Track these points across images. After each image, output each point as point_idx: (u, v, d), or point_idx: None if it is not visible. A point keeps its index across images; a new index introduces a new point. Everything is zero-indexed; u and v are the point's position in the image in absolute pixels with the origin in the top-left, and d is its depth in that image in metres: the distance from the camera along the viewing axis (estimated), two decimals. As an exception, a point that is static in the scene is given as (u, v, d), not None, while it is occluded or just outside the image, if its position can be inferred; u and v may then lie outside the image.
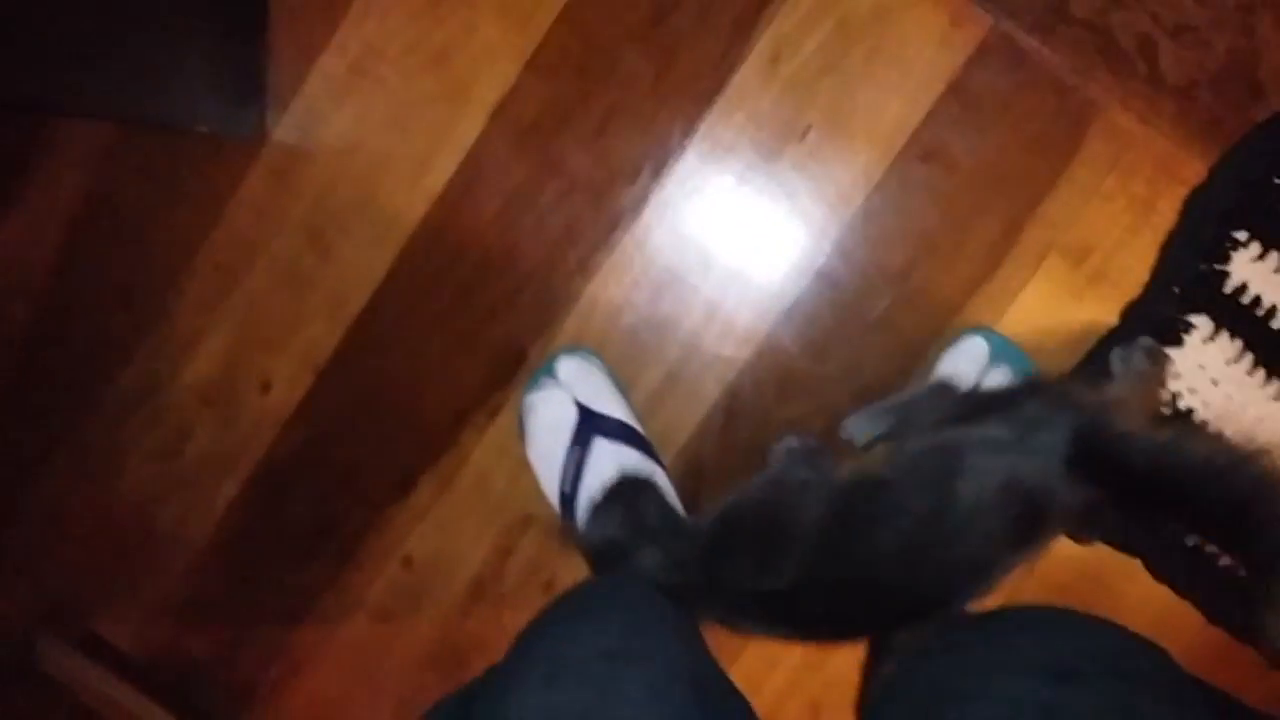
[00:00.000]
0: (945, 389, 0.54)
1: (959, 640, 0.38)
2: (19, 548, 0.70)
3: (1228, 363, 0.59)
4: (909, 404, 0.54)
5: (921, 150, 0.60)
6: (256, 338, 0.66)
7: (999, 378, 0.59)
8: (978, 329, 0.61)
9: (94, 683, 0.69)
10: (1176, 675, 0.33)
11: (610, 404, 0.61)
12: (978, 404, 0.48)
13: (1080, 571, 0.63)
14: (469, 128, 0.62)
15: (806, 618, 0.46)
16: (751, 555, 0.47)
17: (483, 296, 0.64)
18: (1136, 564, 0.63)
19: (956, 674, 0.35)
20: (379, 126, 0.63)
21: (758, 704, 0.40)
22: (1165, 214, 0.60)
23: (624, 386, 0.63)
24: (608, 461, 0.60)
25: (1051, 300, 0.61)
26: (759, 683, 0.65)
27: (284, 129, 0.63)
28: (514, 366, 0.64)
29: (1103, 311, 0.61)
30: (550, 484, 0.62)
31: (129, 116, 0.62)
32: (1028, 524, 0.42)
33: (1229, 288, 0.59)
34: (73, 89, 0.57)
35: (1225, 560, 0.61)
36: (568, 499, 0.61)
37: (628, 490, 0.55)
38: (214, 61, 0.61)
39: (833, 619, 0.46)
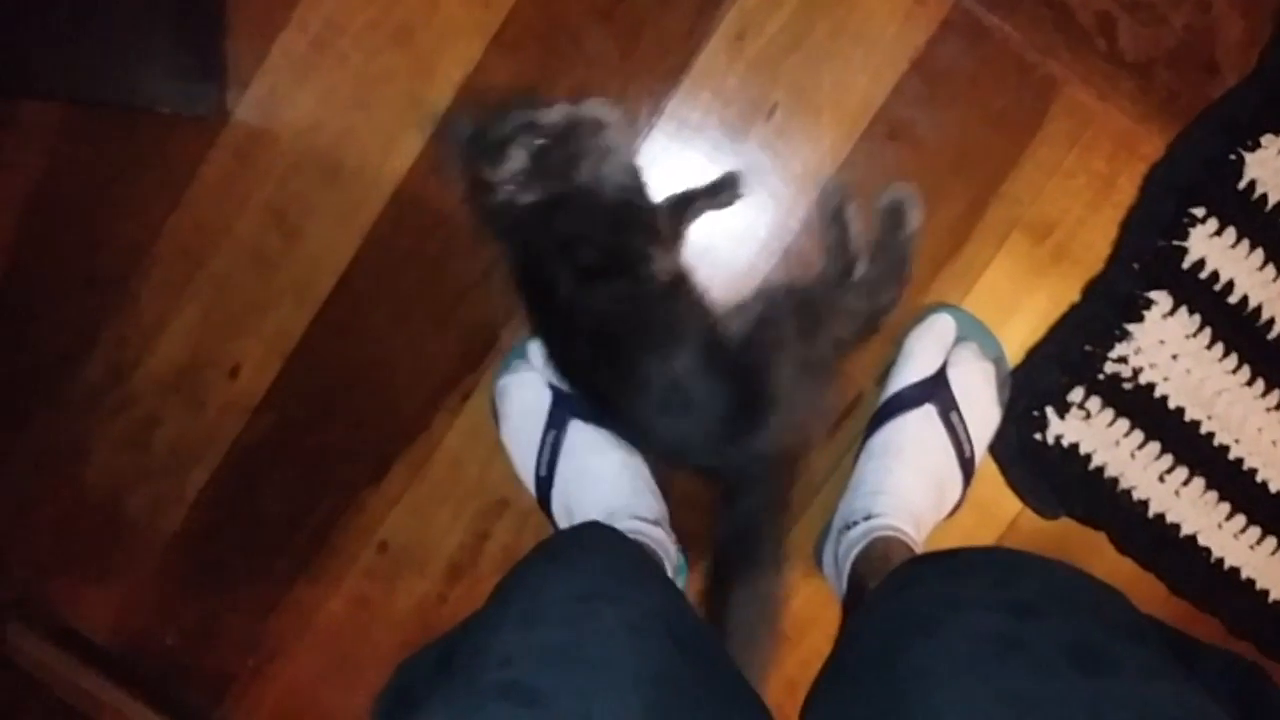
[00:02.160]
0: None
1: (917, 577, 0.39)
2: (-17, 539, 0.69)
3: (1187, 337, 0.61)
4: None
5: (887, 128, 0.61)
6: (223, 322, 0.65)
7: (966, 354, 0.60)
8: (944, 306, 0.61)
9: (67, 674, 0.68)
10: (1133, 614, 0.34)
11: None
12: None
13: (1045, 545, 0.65)
14: (434, 105, 0.61)
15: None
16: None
17: (452, 278, 0.63)
18: (1101, 538, 0.64)
19: (916, 611, 0.35)
20: (342, 105, 0.62)
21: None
22: (1125, 190, 0.61)
23: (595, 367, 0.63)
24: (584, 443, 0.60)
25: (1015, 277, 0.62)
26: (733, 659, 0.66)
27: (245, 108, 0.62)
28: (485, 349, 0.64)
29: (1065, 288, 0.62)
30: (525, 467, 0.62)
31: (86, 97, 0.61)
32: None
33: (1188, 263, 0.60)
34: (28, 69, 0.56)
35: (1188, 531, 0.63)
36: (544, 482, 0.61)
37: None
38: (172, 40, 0.60)
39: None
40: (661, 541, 0.58)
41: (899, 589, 0.39)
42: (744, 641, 0.55)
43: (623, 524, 0.56)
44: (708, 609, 0.56)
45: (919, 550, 0.56)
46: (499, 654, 0.33)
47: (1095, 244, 0.61)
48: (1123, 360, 0.61)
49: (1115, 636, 0.31)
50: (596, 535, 0.45)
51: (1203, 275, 0.60)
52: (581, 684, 0.31)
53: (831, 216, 0.59)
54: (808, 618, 0.65)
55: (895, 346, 0.61)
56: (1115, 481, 0.62)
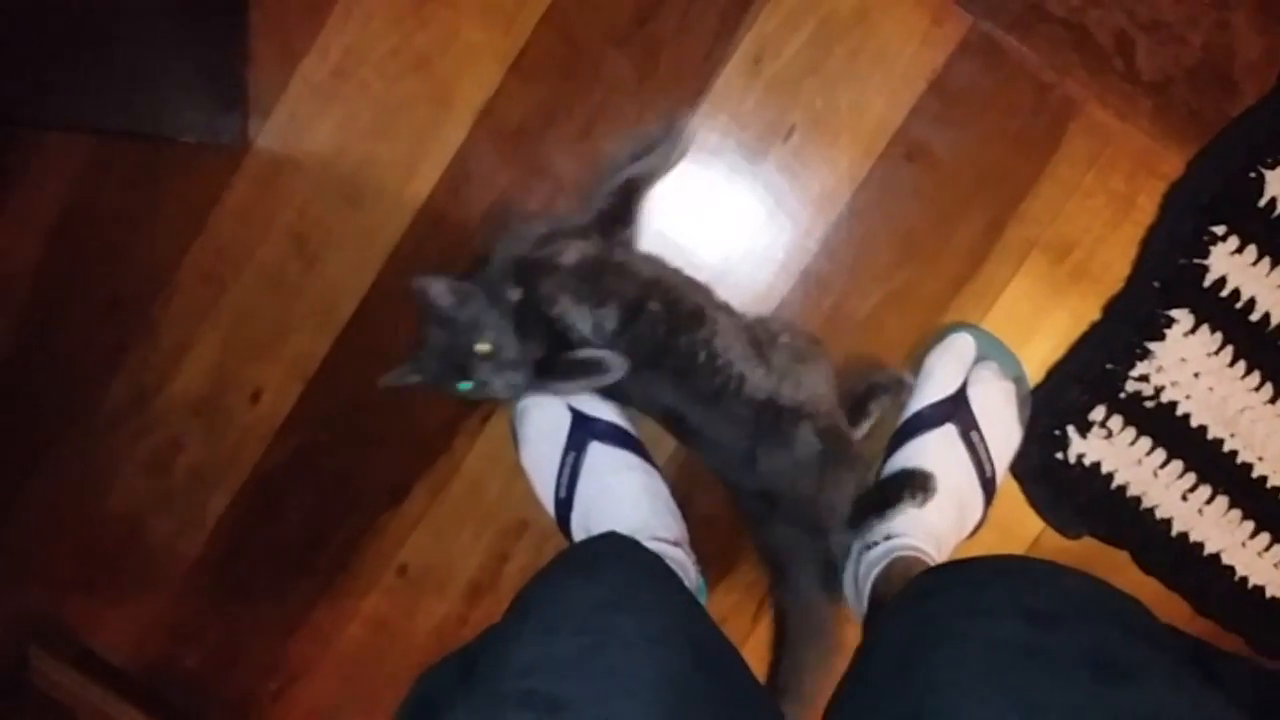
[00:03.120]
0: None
1: (937, 587, 0.38)
2: (9, 563, 0.69)
3: (1209, 355, 0.60)
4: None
5: (904, 149, 0.61)
6: (245, 347, 0.65)
7: (986, 374, 0.60)
8: (964, 326, 0.61)
9: (89, 699, 0.68)
10: (1153, 622, 0.34)
11: (603, 407, 0.61)
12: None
13: (1068, 564, 0.64)
14: (454, 131, 0.62)
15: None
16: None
17: (471, 302, 0.64)
18: (1124, 557, 0.64)
19: (935, 619, 0.35)
20: (363, 132, 0.62)
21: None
22: (1145, 209, 0.61)
23: (615, 389, 0.63)
24: (603, 465, 0.60)
25: (1035, 296, 0.62)
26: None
27: (267, 136, 0.63)
28: (504, 371, 0.64)
29: (1086, 307, 0.62)
30: (545, 489, 0.62)
31: (110, 127, 0.62)
32: None
33: (1209, 281, 0.60)
34: (53, 100, 0.57)
35: (1211, 550, 0.62)
36: (563, 504, 0.61)
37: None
38: (195, 70, 0.61)
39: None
40: (681, 562, 0.58)
41: (918, 598, 0.39)
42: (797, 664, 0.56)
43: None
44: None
45: (941, 571, 0.55)
46: (519, 664, 0.33)
47: (1115, 263, 0.61)
48: (1144, 379, 0.61)
49: (1135, 645, 0.31)
50: (616, 546, 0.45)
51: (1224, 293, 0.60)
52: (600, 693, 0.31)
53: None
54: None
55: (915, 366, 0.61)
56: (1138, 500, 0.62)
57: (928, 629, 0.35)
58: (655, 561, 0.45)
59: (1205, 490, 0.61)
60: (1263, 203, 0.59)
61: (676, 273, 0.58)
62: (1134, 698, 0.29)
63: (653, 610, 0.37)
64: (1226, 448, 0.61)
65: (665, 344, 0.54)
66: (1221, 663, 0.33)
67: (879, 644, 0.39)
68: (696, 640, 0.37)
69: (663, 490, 0.62)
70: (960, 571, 0.39)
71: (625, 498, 0.60)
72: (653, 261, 0.58)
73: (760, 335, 0.57)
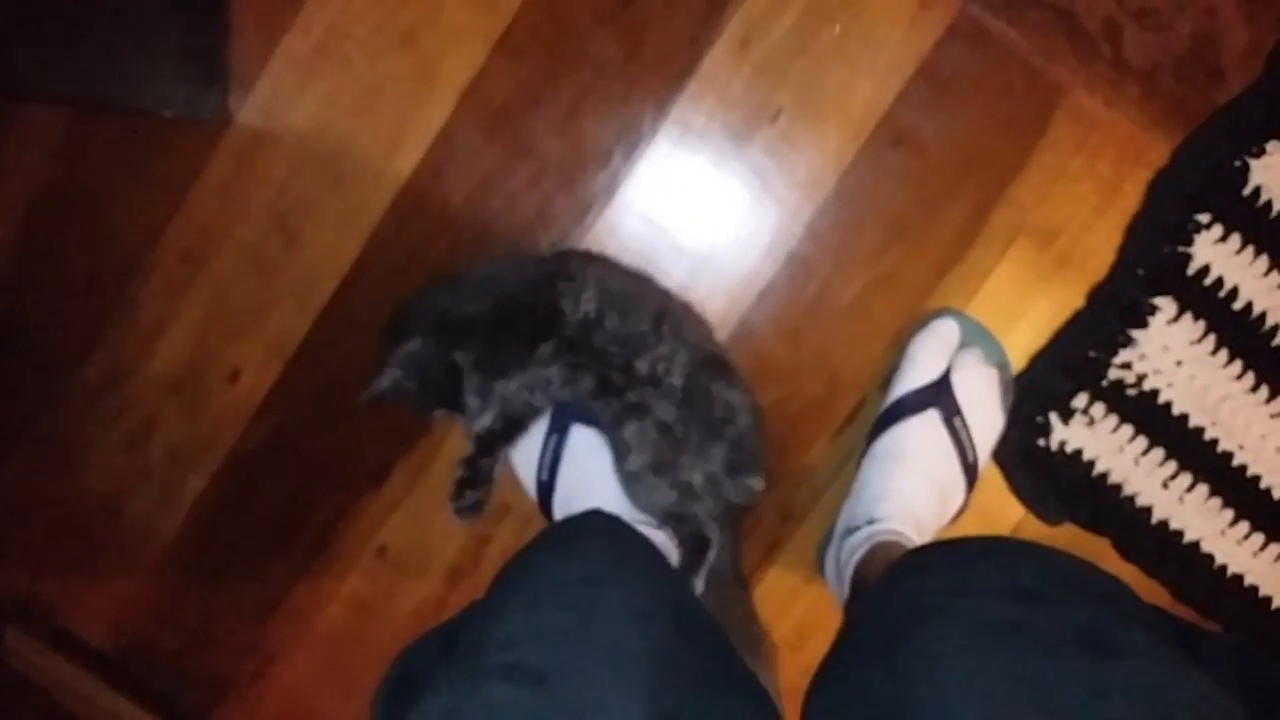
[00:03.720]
0: None
1: (921, 565, 0.38)
2: (-19, 542, 0.68)
3: (1191, 343, 0.61)
4: None
5: (892, 133, 0.61)
6: (223, 326, 0.65)
7: (970, 360, 0.60)
8: (948, 311, 0.61)
9: (65, 679, 0.68)
10: (1137, 602, 0.34)
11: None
12: None
13: (1049, 550, 0.64)
14: (438, 110, 0.61)
15: None
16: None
17: (454, 282, 0.63)
18: (1105, 544, 0.64)
19: (920, 597, 0.35)
20: (345, 109, 0.62)
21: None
22: (1130, 197, 0.61)
23: (598, 372, 0.63)
24: (586, 447, 0.60)
25: (1020, 282, 0.62)
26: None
27: (248, 112, 0.62)
28: (487, 353, 0.64)
29: (1070, 293, 0.62)
30: (527, 472, 0.62)
31: (89, 100, 0.61)
32: None
33: (1192, 270, 0.60)
34: (32, 71, 0.56)
35: (1191, 538, 0.63)
36: (545, 486, 0.61)
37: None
38: (176, 43, 0.60)
39: None
40: (663, 544, 0.57)
41: (904, 575, 0.38)
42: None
43: (625, 528, 0.56)
44: None
45: (922, 557, 0.55)
46: (502, 637, 0.33)
47: (1100, 250, 0.61)
48: (1127, 366, 0.61)
49: (1120, 622, 0.31)
50: (599, 523, 0.45)
51: (1207, 282, 0.60)
52: (585, 666, 0.31)
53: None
54: (810, 624, 0.65)
55: (899, 351, 0.61)
56: (1119, 488, 0.62)
57: (914, 606, 0.35)
58: (639, 538, 0.45)
59: (1185, 478, 0.62)
60: (1247, 192, 0.59)
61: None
62: (1121, 672, 0.29)
63: (637, 585, 0.37)
64: (1207, 436, 0.61)
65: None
66: (1206, 644, 0.33)
67: (864, 621, 0.39)
68: (681, 615, 0.37)
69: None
70: (947, 550, 0.39)
71: (608, 480, 0.59)
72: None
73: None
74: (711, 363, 0.57)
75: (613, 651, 0.32)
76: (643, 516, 0.57)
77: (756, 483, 0.56)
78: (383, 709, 0.36)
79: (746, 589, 0.63)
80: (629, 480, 0.55)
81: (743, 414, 0.56)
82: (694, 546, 0.56)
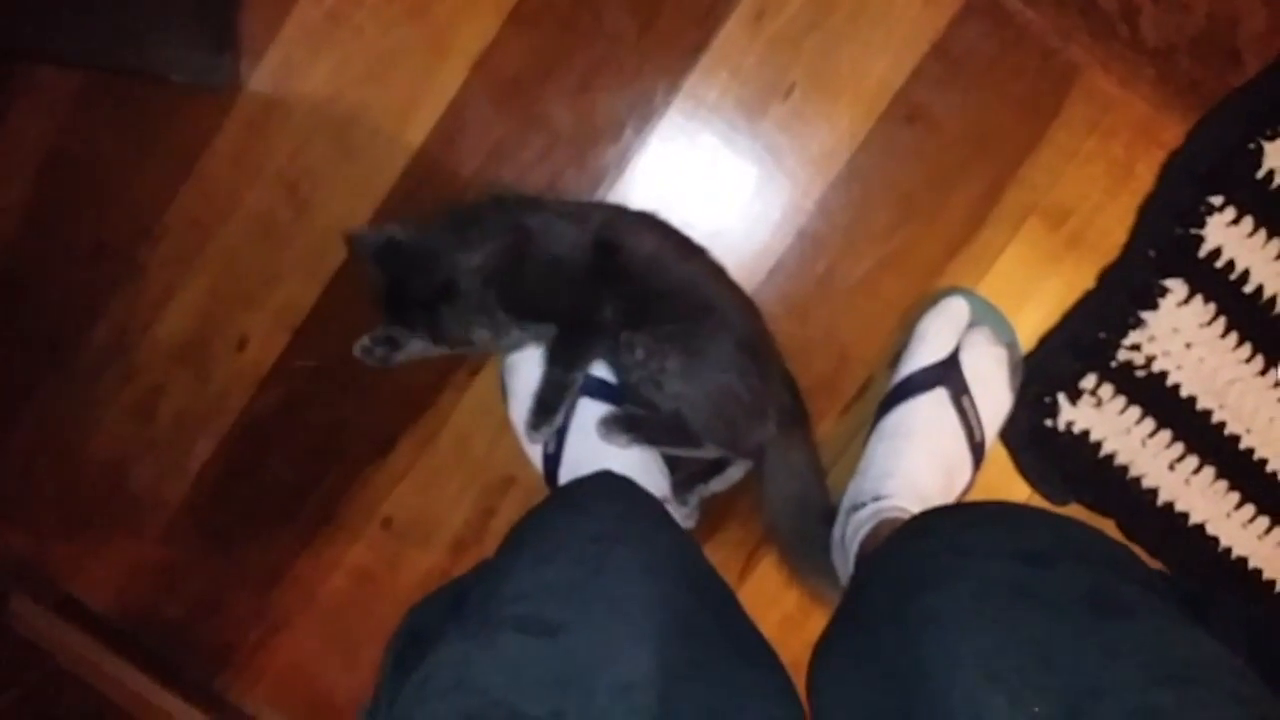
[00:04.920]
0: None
1: (929, 528, 0.38)
2: (-12, 507, 0.69)
3: (1201, 326, 0.60)
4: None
5: (905, 110, 0.60)
6: (232, 294, 0.65)
7: (979, 339, 0.60)
8: (958, 290, 0.61)
9: (69, 645, 0.68)
10: (1145, 567, 0.34)
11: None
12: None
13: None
14: (450, 80, 0.61)
15: None
16: None
17: (463, 254, 0.63)
18: (1110, 524, 0.64)
19: (927, 559, 0.35)
20: (357, 78, 0.61)
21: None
22: (1143, 178, 0.60)
23: (606, 346, 0.63)
24: (592, 421, 0.60)
25: (1031, 262, 0.62)
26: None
27: (259, 80, 0.62)
28: (495, 326, 0.64)
29: (1080, 274, 0.62)
30: (533, 444, 0.62)
31: (99, 64, 0.61)
32: None
33: (1204, 252, 0.60)
34: (42, 35, 0.56)
35: (1196, 519, 0.63)
36: (551, 459, 0.61)
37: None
38: (188, 9, 0.60)
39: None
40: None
41: (909, 538, 0.38)
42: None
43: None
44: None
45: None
46: (513, 591, 0.33)
47: (1112, 231, 0.61)
48: (1136, 348, 0.60)
49: (1128, 585, 0.31)
50: (610, 483, 0.45)
51: (1219, 264, 0.60)
52: (596, 617, 0.31)
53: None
54: (814, 598, 0.65)
55: (908, 329, 0.61)
56: (1125, 469, 0.62)
57: (922, 567, 0.35)
58: (648, 498, 0.45)
59: (1192, 460, 0.62)
60: (1261, 174, 0.59)
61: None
62: (1130, 631, 0.29)
63: (647, 542, 0.37)
64: (1215, 419, 0.61)
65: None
66: (1214, 607, 0.33)
67: (871, 582, 0.39)
68: (690, 572, 0.37)
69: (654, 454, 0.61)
70: (955, 514, 0.39)
71: (613, 454, 0.59)
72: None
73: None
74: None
75: (623, 604, 0.32)
76: (648, 489, 0.58)
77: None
78: (394, 660, 0.36)
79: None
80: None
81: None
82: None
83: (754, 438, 0.58)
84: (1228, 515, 0.62)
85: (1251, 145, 0.58)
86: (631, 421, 0.57)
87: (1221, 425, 0.61)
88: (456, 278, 0.52)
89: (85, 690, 0.67)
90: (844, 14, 0.60)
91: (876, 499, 0.56)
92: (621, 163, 0.62)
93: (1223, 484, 0.62)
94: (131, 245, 0.64)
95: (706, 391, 0.55)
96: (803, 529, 0.60)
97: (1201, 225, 0.59)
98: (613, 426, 0.57)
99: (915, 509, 0.56)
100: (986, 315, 0.61)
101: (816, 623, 0.65)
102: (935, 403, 0.58)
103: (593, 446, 0.60)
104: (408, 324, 0.55)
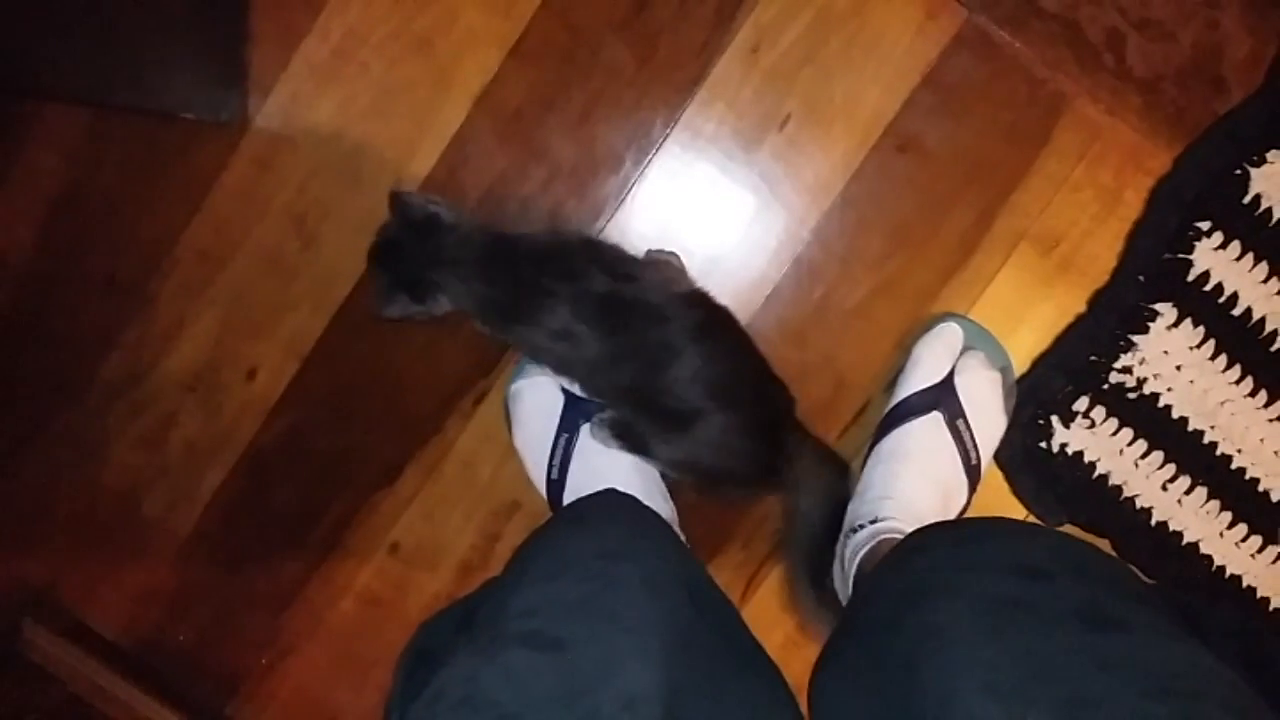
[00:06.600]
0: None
1: (926, 544, 0.39)
2: (4, 536, 0.69)
3: (1191, 349, 0.62)
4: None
5: (898, 140, 0.62)
6: (241, 325, 0.66)
7: (973, 363, 0.61)
8: (952, 315, 0.62)
9: (82, 671, 0.69)
10: (1139, 582, 0.35)
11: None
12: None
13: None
14: (453, 115, 0.62)
15: None
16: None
17: (467, 284, 0.64)
18: (1104, 545, 0.65)
19: (925, 574, 0.36)
20: (362, 113, 0.63)
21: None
22: (1132, 204, 0.62)
23: (608, 372, 0.64)
24: (596, 447, 0.61)
25: (1022, 287, 0.63)
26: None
27: (266, 115, 0.63)
28: (499, 353, 0.65)
29: (1071, 299, 0.63)
30: (537, 470, 0.63)
31: (110, 101, 0.62)
32: None
33: (1192, 276, 0.61)
34: (53, 72, 0.57)
35: (1190, 539, 0.64)
36: (555, 485, 0.62)
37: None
38: (196, 46, 0.61)
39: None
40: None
41: (907, 554, 0.39)
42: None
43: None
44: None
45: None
46: (520, 607, 0.33)
47: (1101, 256, 0.62)
48: (1127, 370, 0.62)
49: (1123, 600, 0.31)
50: (614, 500, 0.45)
51: (1207, 288, 0.61)
52: (601, 634, 0.32)
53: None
54: (813, 621, 0.66)
55: (904, 353, 0.62)
56: (1119, 490, 0.63)
57: (919, 581, 0.35)
58: (653, 516, 0.45)
59: (1185, 481, 0.63)
60: (1247, 200, 0.60)
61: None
62: (1125, 644, 0.29)
63: (651, 560, 0.37)
64: (1207, 439, 0.62)
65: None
66: (1209, 620, 0.33)
67: (871, 596, 0.40)
68: (695, 589, 0.38)
69: (653, 473, 0.62)
70: (952, 530, 0.39)
71: (617, 479, 0.60)
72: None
73: None
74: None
75: (629, 621, 0.33)
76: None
77: None
78: (404, 677, 0.37)
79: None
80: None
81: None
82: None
83: (769, 480, 0.59)
84: (1221, 534, 0.63)
85: (1238, 171, 0.60)
86: (624, 428, 0.58)
87: (1213, 446, 0.62)
88: (457, 278, 0.53)
89: (98, 717, 0.68)
90: (837, 46, 0.61)
91: (874, 521, 0.57)
92: (621, 193, 0.63)
93: (1215, 503, 0.63)
94: (143, 278, 0.66)
95: (699, 455, 0.57)
96: (821, 548, 0.61)
97: (1190, 250, 0.60)
98: (601, 428, 0.58)
99: (912, 530, 0.57)
100: (980, 339, 0.62)
101: (817, 644, 0.66)
102: (931, 426, 0.59)
103: (595, 471, 0.61)
104: (392, 275, 0.56)
